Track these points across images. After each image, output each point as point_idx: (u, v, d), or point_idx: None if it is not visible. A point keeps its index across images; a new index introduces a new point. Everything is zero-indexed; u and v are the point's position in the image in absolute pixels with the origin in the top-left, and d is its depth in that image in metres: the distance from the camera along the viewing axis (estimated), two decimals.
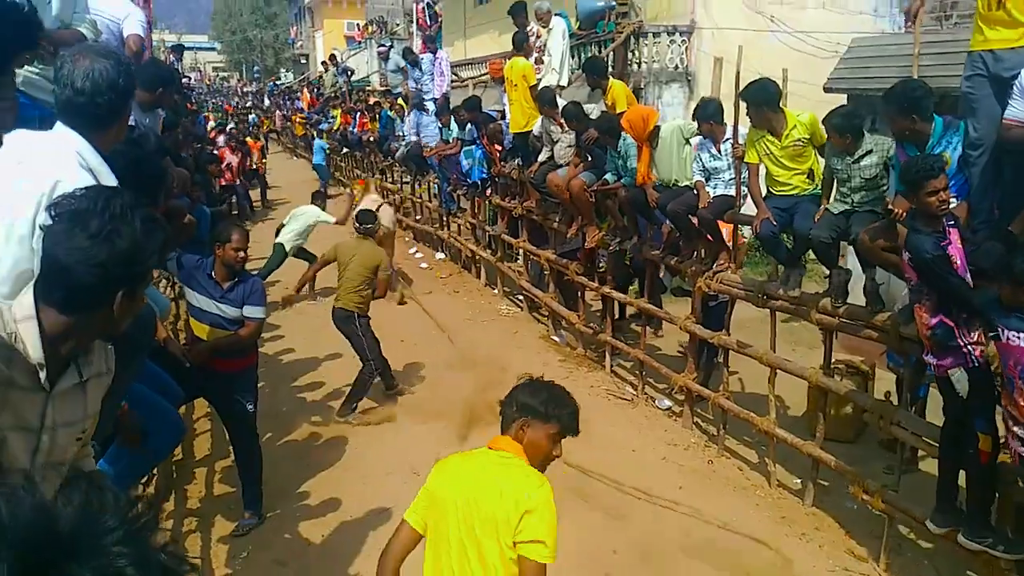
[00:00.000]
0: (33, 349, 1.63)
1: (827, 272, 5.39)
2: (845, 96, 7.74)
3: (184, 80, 19.26)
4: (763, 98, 5.28)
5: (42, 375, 1.65)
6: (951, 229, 3.84)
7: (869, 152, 4.79)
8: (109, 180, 2.13)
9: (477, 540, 2.42)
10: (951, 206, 3.96)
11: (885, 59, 7.58)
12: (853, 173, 4.85)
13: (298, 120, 26.20)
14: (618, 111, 7.39)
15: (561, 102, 8.22)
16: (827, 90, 8.15)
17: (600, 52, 11.88)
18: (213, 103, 35.13)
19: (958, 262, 3.78)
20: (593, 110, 8.14)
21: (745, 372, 6.89)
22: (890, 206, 4.42)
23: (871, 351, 6.55)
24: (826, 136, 5.05)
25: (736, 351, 6.11)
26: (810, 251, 5.47)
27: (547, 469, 2.61)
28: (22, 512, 0.66)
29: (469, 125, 10.89)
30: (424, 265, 12.80)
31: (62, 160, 2.08)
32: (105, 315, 1.70)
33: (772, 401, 5.82)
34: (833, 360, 5.71)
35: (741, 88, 5.53)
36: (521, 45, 9.40)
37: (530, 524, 2.37)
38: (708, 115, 6.04)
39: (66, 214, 1.61)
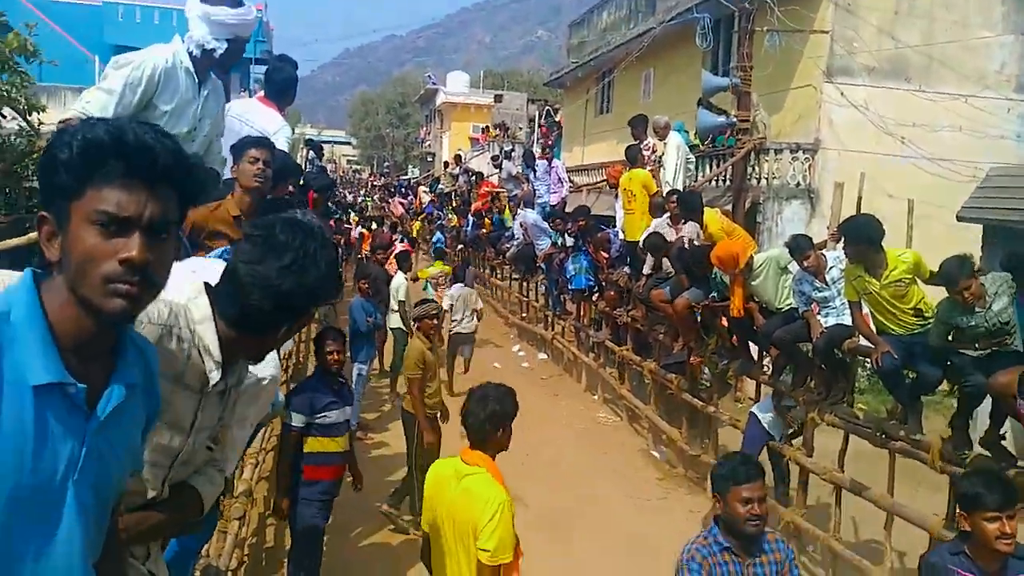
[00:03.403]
0: (214, 348, 1.70)
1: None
2: (981, 227, 7.34)
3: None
4: (863, 236, 5.00)
5: (215, 375, 1.71)
6: None
7: (996, 295, 4.39)
8: None
9: (456, 546, 3.09)
10: None
11: None
12: (990, 322, 4.43)
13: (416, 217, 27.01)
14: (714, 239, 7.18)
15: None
16: (960, 219, 7.76)
17: (720, 166, 11.90)
18: (346, 193, 37.27)
19: None
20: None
21: (860, 511, 6.35)
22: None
23: None
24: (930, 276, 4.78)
25: (849, 491, 5.66)
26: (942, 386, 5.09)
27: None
28: None
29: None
30: (526, 365, 12.80)
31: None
32: (262, 342, 1.78)
33: (888, 549, 5.32)
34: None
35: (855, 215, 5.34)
36: (635, 158, 9.57)
37: (483, 535, 2.98)
38: (801, 250, 5.80)
39: (262, 239, 1.67)
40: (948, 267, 4.41)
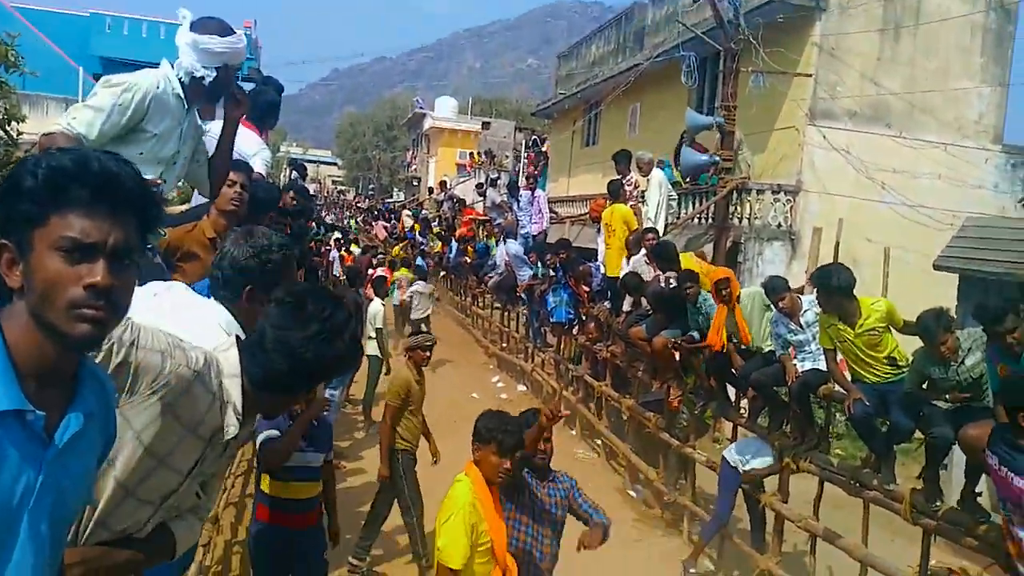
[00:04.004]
0: (239, 403, 1.75)
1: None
2: (957, 276, 7.41)
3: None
4: (834, 285, 4.98)
5: (233, 430, 1.74)
6: None
7: (970, 350, 4.40)
8: None
9: None
10: None
11: (1002, 242, 7.25)
12: (962, 376, 4.46)
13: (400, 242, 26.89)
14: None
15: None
16: (937, 267, 7.83)
17: (702, 204, 11.98)
18: (332, 216, 37.08)
19: None
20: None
21: (836, 560, 6.29)
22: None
23: (984, 558, 5.88)
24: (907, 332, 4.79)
25: (823, 539, 5.61)
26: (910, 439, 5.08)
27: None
28: None
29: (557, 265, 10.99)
30: (504, 396, 12.68)
31: (208, 331, 2.04)
32: (278, 404, 1.87)
33: None
34: (935, 561, 5.15)
35: (833, 261, 5.38)
36: (616, 193, 9.61)
37: (439, 533, 3.31)
38: (776, 291, 5.82)
39: (292, 306, 1.75)
40: (926, 321, 4.40)
